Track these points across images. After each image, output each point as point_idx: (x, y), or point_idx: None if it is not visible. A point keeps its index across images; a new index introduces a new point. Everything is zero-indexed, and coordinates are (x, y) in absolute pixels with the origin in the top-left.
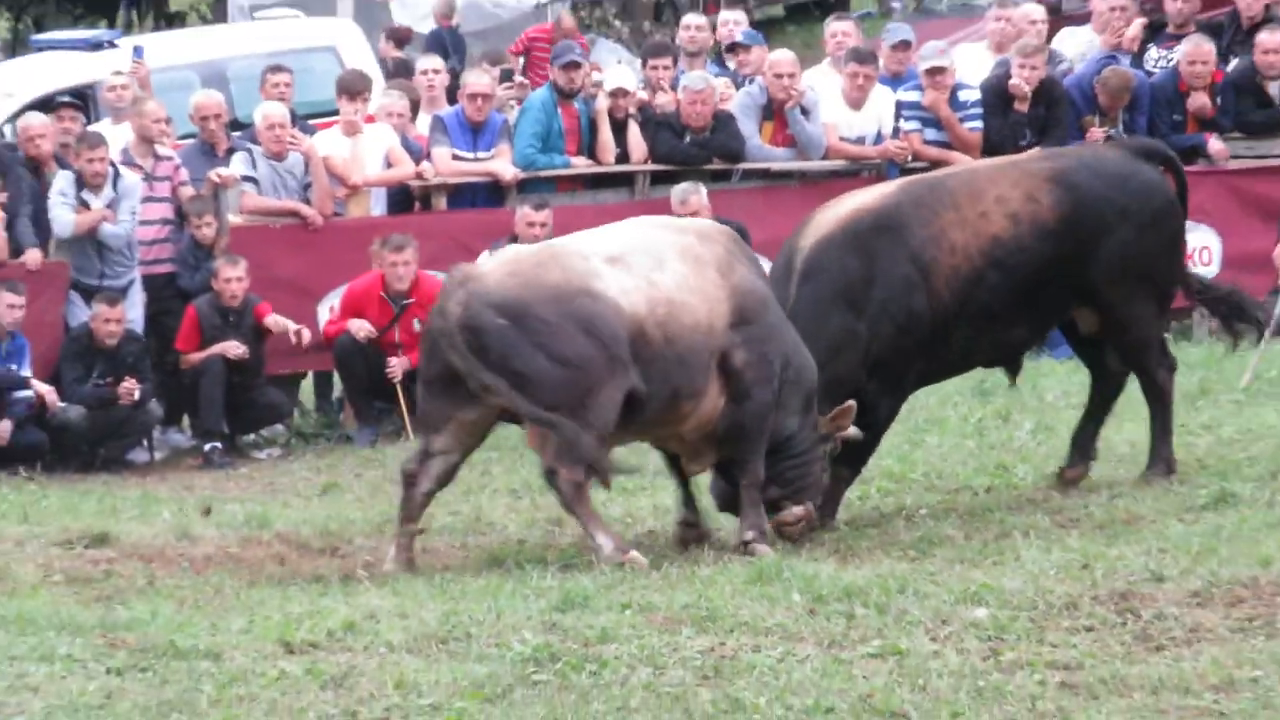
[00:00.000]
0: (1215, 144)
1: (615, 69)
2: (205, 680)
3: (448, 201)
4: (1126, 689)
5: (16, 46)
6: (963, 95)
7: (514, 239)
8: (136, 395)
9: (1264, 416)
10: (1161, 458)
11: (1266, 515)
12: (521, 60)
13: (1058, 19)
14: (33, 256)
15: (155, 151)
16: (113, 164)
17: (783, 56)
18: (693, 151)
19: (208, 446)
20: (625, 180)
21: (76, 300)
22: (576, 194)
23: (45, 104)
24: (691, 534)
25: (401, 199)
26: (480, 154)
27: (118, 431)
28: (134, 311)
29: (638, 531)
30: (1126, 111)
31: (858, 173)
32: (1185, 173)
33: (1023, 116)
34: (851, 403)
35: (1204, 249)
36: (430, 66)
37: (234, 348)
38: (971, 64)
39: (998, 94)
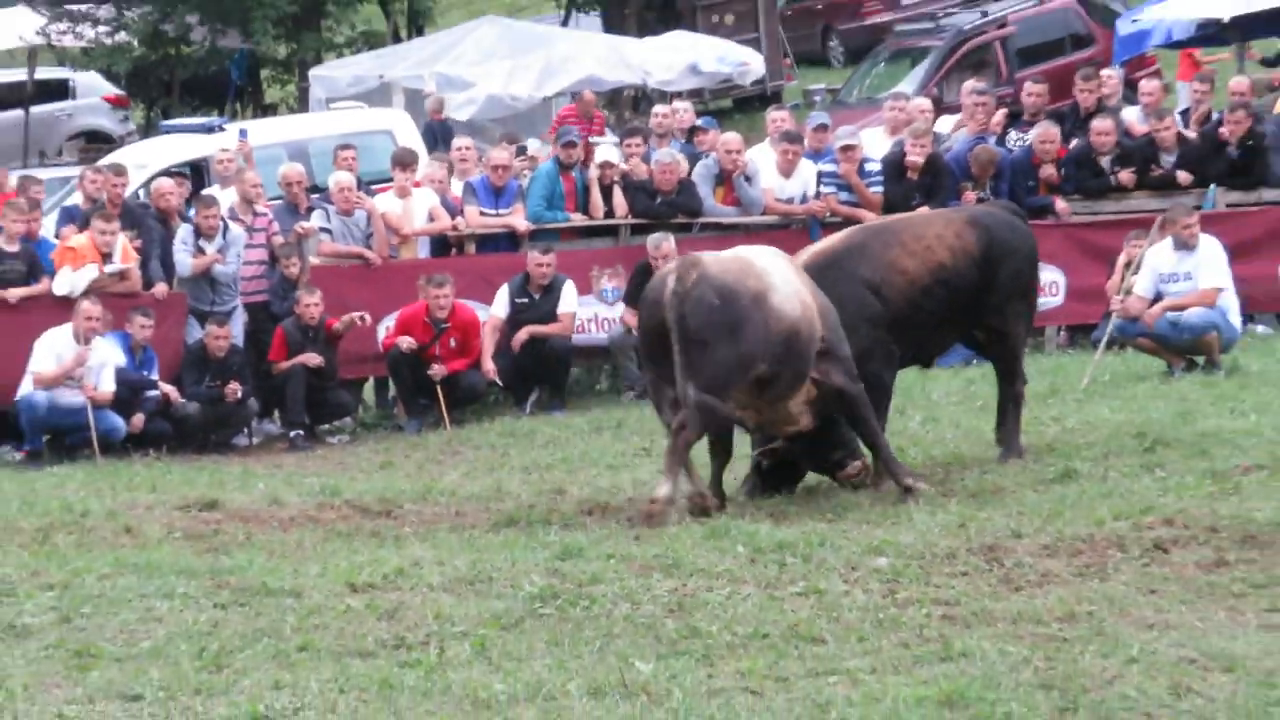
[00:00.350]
0: (1061, 204)
1: (603, 147)
2: (289, 613)
3: (476, 247)
4: (993, 620)
5: (149, 129)
6: (868, 166)
7: (527, 276)
8: (239, 395)
9: (1099, 411)
10: (1013, 447)
11: (1100, 487)
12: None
13: (940, 109)
14: (160, 289)
15: (254, 209)
16: (222, 219)
17: (732, 137)
18: (663, 209)
19: (293, 434)
20: (611, 231)
21: (193, 322)
22: (574, 242)
23: (170, 174)
24: (712, 503)
25: (441, 246)
26: (501, 211)
27: (225, 422)
28: (237, 330)
29: (624, 498)
30: (993, 180)
31: (788, 225)
32: (1034, 225)
33: (914, 183)
34: None
35: (1053, 284)
36: (463, 144)
37: (313, 358)
38: (875, 143)
39: (895, 166)
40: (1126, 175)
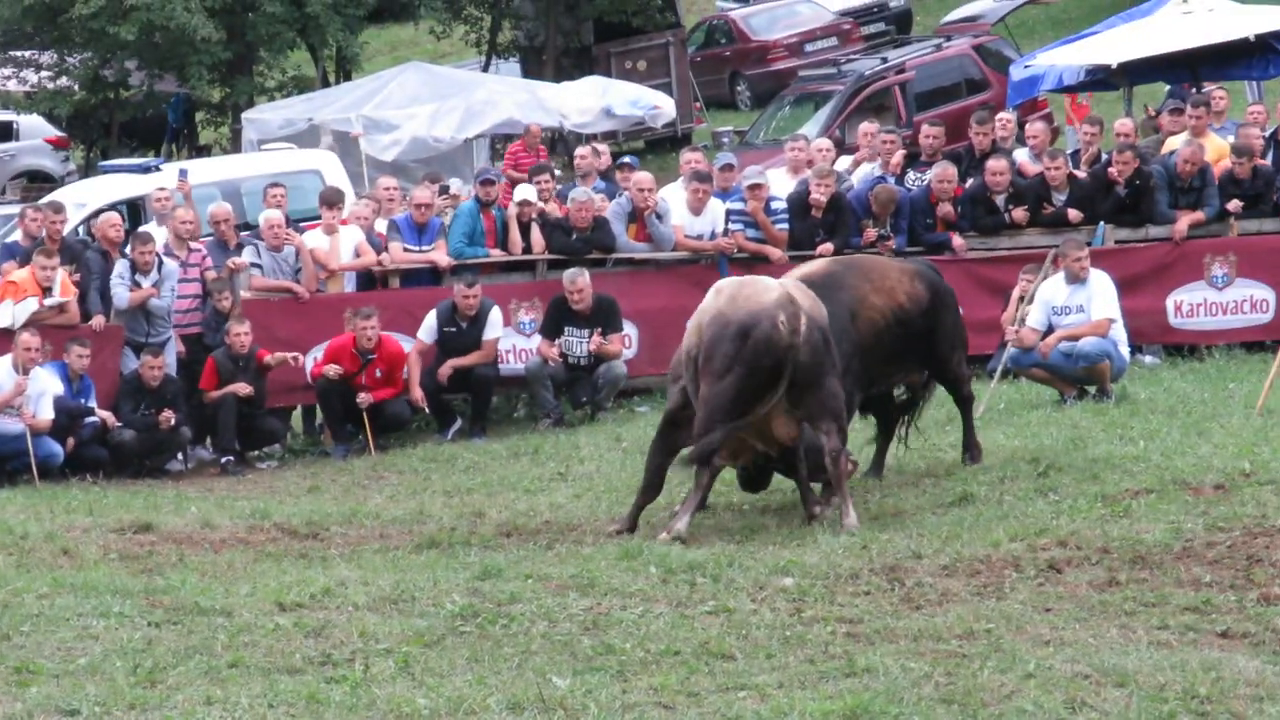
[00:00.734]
0: (958, 240)
1: (522, 186)
2: (220, 631)
3: (400, 282)
4: (895, 637)
5: (89, 169)
6: (774, 205)
7: (453, 307)
8: (173, 422)
9: (995, 438)
10: (974, 445)
11: (997, 510)
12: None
13: (841, 150)
14: (97, 321)
15: (188, 245)
16: (158, 254)
17: (644, 176)
18: (578, 245)
19: (224, 459)
20: (529, 266)
21: (129, 353)
22: (494, 276)
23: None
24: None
25: (366, 280)
26: (424, 247)
27: (159, 449)
28: (171, 360)
29: (541, 520)
30: (893, 218)
31: (697, 261)
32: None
33: (817, 221)
34: None
35: None
36: (389, 184)
37: (242, 388)
38: (780, 183)
39: (799, 204)
40: (1020, 213)
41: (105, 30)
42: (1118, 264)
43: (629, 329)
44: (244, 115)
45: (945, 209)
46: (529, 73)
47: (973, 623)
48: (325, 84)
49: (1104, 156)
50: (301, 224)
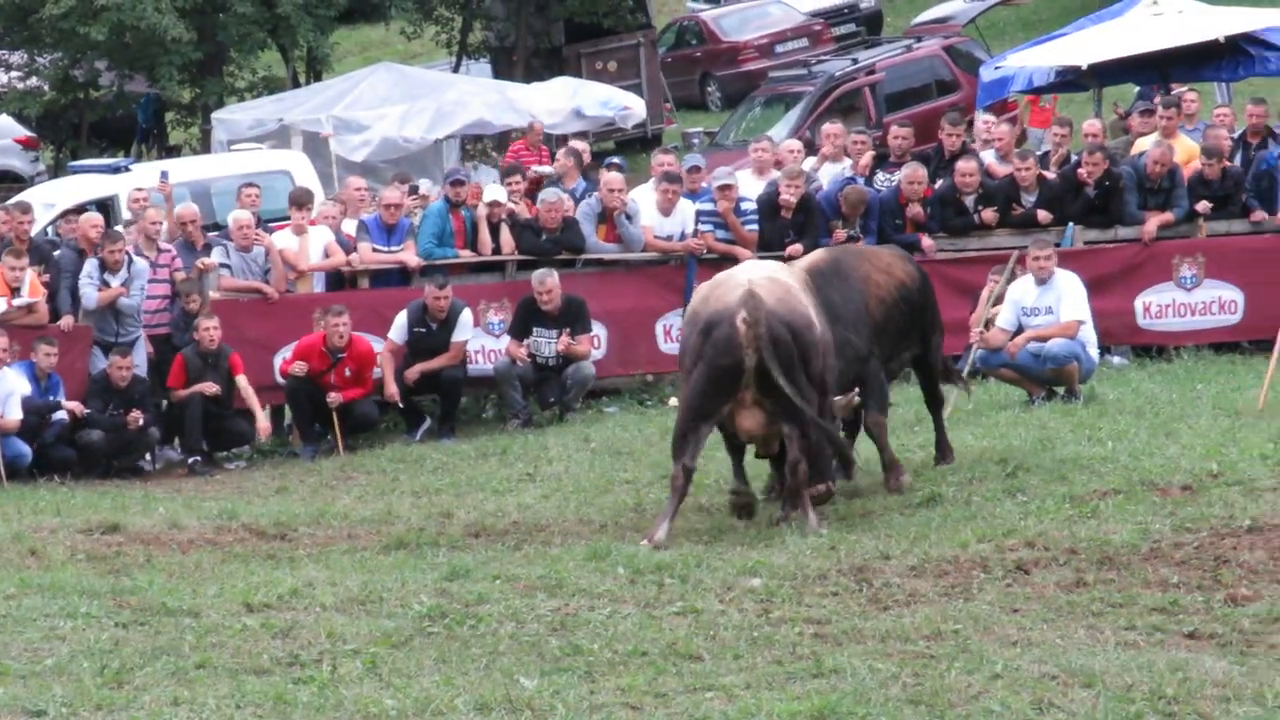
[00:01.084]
0: (927, 241)
1: (492, 187)
2: (187, 632)
3: (369, 282)
4: (863, 638)
5: (59, 170)
6: (744, 205)
7: (424, 308)
8: (141, 422)
9: (963, 438)
10: (946, 446)
11: (965, 511)
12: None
13: (811, 151)
14: (66, 321)
15: (158, 245)
16: (128, 253)
17: (614, 177)
18: (547, 246)
19: (191, 460)
20: (499, 267)
21: (98, 353)
22: (464, 277)
23: (78, 211)
24: (743, 500)
25: (336, 281)
26: (393, 248)
27: (127, 449)
28: (140, 360)
29: (509, 521)
30: (862, 218)
31: (667, 262)
32: None
33: (787, 221)
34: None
35: None
36: (358, 185)
37: (209, 387)
38: (749, 184)
39: (769, 205)
40: (989, 214)
41: (75, 30)
42: (1086, 265)
43: (598, 329)
44: (214, 116)
45: (915, 210)
46: (499, 73)
47: (940, 623)
48: (296, 84)
49: (1073, 158)
50: (271, 224)
